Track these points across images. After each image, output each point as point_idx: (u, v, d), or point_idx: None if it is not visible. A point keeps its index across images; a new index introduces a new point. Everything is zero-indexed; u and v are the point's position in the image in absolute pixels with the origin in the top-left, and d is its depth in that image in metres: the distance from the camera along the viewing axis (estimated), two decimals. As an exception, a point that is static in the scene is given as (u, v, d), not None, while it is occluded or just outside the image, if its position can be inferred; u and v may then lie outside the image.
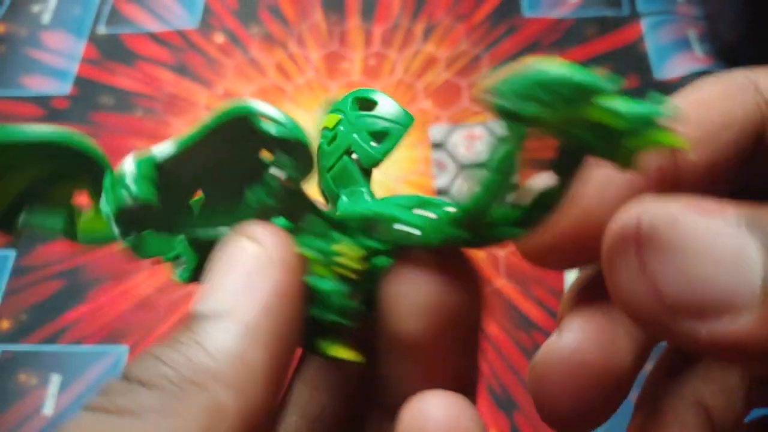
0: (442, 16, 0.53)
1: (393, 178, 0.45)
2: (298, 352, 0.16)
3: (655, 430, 0.15)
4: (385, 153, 0.15)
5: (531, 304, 0.40)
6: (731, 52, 0.48)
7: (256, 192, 0.13)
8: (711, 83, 0.14)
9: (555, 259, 0.15)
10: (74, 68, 0.52)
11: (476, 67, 0.50)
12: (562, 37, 0.50)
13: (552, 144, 0.12)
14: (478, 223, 0.12)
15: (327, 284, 0.13)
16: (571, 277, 0.41)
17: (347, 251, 0.13)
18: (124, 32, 0.53)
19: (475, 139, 0.46)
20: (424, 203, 0.14)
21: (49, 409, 0.38)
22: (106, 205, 0.13)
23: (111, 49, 0.52)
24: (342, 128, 0.16)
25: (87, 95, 0.50)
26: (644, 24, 0.51)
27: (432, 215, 0.13)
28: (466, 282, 0.14)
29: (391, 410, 0.14)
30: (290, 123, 0.13)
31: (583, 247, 0.14)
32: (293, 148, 0.12)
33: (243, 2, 0.54)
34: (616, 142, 0.11)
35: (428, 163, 0.45)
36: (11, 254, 0.44)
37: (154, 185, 0.13)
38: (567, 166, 0.12)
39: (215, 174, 0.13)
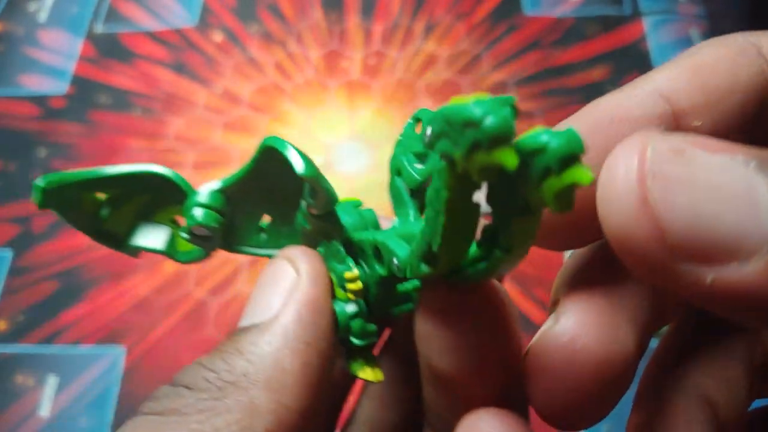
0: (443, 15, 0.52)
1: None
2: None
3: (659, 428, 0.15)
4: (426, 175, 0.15)
5: (531, 304, 0.40)
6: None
7: (299, 217, 0.15)
8: (711, 46, 0.14)
9: (553, 238, 0.14)
10: (72, 67, 0.51)
11: (477, 65, 0.49)
12: (563, 36, 0.50)
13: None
14: (438, 262, 0.12)
15: (341, 306, 0.15)
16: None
17: (353, 277, 0.14)
18: (122, 31, 0.53)
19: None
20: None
21: (45, 410, 0.38)
22: (185, 228, 0.15)
23: (109, 48, 0.52)
24: (398, 149, 0.16)
25: (85, 94, 0.50)
26: (646, 23, 0.50)
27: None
28: (491, 314, 0.13)
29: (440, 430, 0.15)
30: (306, 166, 0.13)
31: (587, 223, 0.13)
32: (311, 187, 0.14)
33: (242, 1, 0.54)
34: (535, 186, 0.10)
35: (428, 163, 0.45)
36: (8, 254, 0.44)
37: (218, 211, 0.15)
38: (503, 204, 0.11)
39: (277, 199, 0.15)
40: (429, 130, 0.10)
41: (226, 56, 0.51)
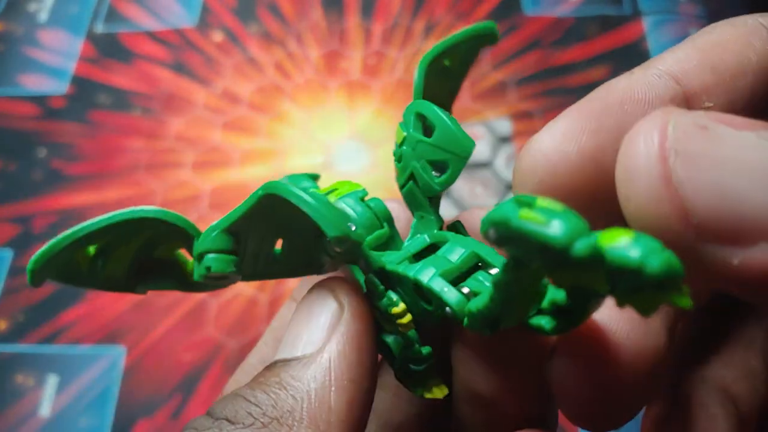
0: (443, 15, 0.52)
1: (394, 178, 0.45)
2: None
3: (679, 424, 0.14)
4: (445, 185, 0.15)
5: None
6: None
7: (320, 248, 0.15)
8: (724, 27, 0.13)
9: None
10: (72, 67, 0.51)
11: (477, 65, 0.49)
12: (563, 36, 0.50)
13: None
14: (500, 328, 0.12)
15: (392, 339, 0.14)
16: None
17: (401, 312, 0.14)
18: (121, 31, 0.53)
19: (477, 139, 0.46)
20: (472, 269, 0.14)
21: (46, 410, 0.38)
22: (196, 275, 0.14)
23: (109, 48, 0.52)
24: (405, 148, 0.16)
25: (84, 94, 0.50)
26: (646, 23, 0.50)
27: (467, 293, 0.13)
28: (531, 345, 0.13)
29: None
30: (335, 226, 0.12)
31: (599, 208, 0.12)
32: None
33: (242, 1, 0.54)
34: (623, 296, 0.09)
35: (428, 163, 0.45)
36: (9, 254, 0.44)
37: (229, 252, 0.14)
38: (580, 297, 0.11)
39: (288, 226, 0.15)
40: (495, 234, 0.10)
41: (225, 56, 0.51)
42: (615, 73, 0.49)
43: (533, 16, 0.51)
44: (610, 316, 0.12)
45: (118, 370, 0.39)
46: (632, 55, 0.49)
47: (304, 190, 0.13)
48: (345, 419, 0.12)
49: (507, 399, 0.14)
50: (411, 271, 0.14)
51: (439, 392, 0.15)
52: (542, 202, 0.10)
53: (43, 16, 0.54)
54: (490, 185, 0.44)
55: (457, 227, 0.15)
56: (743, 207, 0.09)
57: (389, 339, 0.14)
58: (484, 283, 0.13)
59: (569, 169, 0.12)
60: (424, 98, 0.16)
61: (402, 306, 0.14)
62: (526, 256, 0.10)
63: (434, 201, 0.16)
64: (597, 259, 0.09)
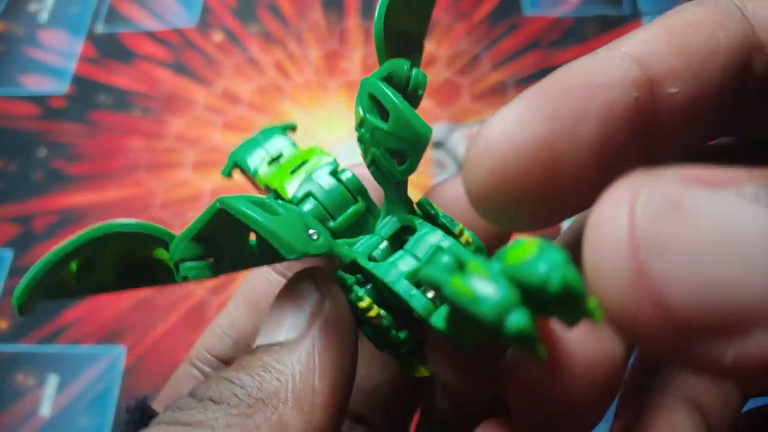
0: (442, 15, 0.52)
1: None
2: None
3: None
4: (407, 174, 0.15)
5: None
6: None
7: None
8: (695, 7, 0.12)
9: (522, 216, 0.12)
10: (72, 67, 0.51)
11: (476, 65, 0.49)
12: (562, 36, 0.50)
13: None
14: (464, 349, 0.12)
15: (368, 327, 0.14)
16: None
17: (366, 307, 0.14)
18: (122, 31, 0.53)
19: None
20: (425, 280, 0.14)
21: (46, 409, 0.38)
22: (177, 279, 0.14)
23: (109, 48, 0.52)
24: (364, 132, 0.15)
25: (85, 94, 0.50)
26: (646, 23, 0.50)
27: (432, 297, 0.13)
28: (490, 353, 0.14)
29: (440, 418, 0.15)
30: (295, 247, 0.12)
31: (553, 199, 0.12)
32: None
33: (242, 1, 0.54)
34: (541, 311, 0.10)
35: (428, 163, 0.45)
36: (9, 254, 0.44)
37: (201, 257, 0.14)
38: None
39: None
40: (428, 281, 0.10)
41: (226, 56, 0.51)
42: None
43: (533, 16, 0.51)
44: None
45: (118, 370, 0.39)
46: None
47: (260, 203, 0.13)
48: (328, 402, 0.12)
49: (471, 389, 0.14)
50: (379, 270, 0.14)
51: (425, 370, 0.15)
52: (475, 265, 0.10)
53: (44, 16, 0.55)
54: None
55: (424, 207, 0.15)
56: (730, 294, 0.08)
57: (367, 329, 0.15)
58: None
59: (521, 158, 0.11)
60: (390, 34, 0.15)
61: (368, 301, 0.14)
62: (470, 327, 0.10)
63: (400, 185, 0.15)
64: (530, 335, 0.09)
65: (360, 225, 0.16)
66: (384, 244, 0.15)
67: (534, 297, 0.09)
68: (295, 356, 0.13)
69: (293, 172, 0.17)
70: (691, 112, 0.12)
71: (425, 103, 0.48)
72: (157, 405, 0.18)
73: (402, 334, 0.14)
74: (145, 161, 0.47)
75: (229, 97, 0.49)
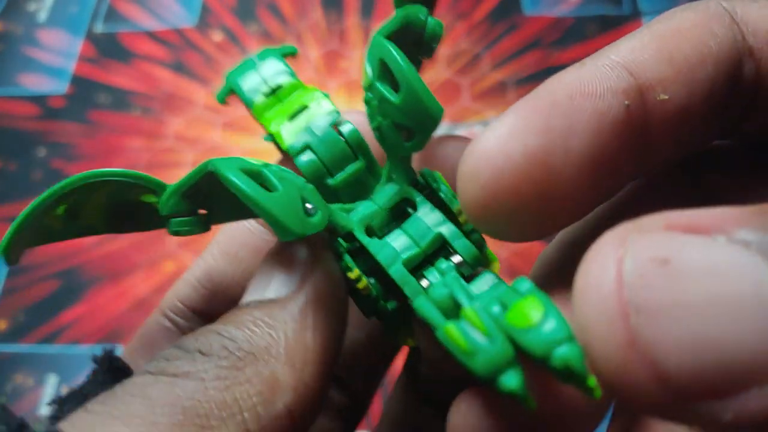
0: (442, 15, 0.52)
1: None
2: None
3: None
4: (412, 151, 0.14)
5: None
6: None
7: None
8: (684, 12, 0.12)
9: (517, 228, 0.12)
10: (71, 67, 0.51)
11: (476, 65, 0.49)
12: (562, 36, 0.50)
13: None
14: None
15: (357, 296, 0.14)
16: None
17: (356, 278, 0.14)
18: (121, 30, 0.53)
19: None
20: (436, 252, 0.14)
21: (45, 410, 0.38)
22: (169, 231, 0.14)
23: (108, 48, 0.52)
24: (371, 97, 0.14)
25: (84, 94, 0.50)
26: (646, 23, 0.50)
27: (426, 286, 0.13)
28: None
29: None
30: (292, 229, 0.12)
31: (547, 212, 0.12)
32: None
33: (242, 0, 0.54)
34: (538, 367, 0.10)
35: (428, 163, 0.45)
36: (8, 254, 0.44)
37: (190, 212, 0.14)
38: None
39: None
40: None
41: (225, 56, 0.51)
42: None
43: (533, 16, 0.51)
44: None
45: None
46: (632, 55, 0.49)
47: (256, 174, 0.12)
48: (320, 359, 0.12)
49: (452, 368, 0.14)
50: (374, 248, 0.14)
51: (411, 341, 0.15)
52: (471, 314, 0.10)
53: (43, 16, 0.54)
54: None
55: (426, 178, 0.15)
56: (725, 354, 0.08)
57: (355, 295, 0.14)
58: (445, 274, 0.13)
59: (514, 171, 0.11)
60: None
61: (357, 272, 0.14)
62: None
63: (404, 158, 0.15)
64: (520, 394, 0.09)
65: (359, 185, 0.16)
66: (382, 215, 0.14)
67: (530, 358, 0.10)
68: (288, 312, 0.12)
69: (292, 118, 0.16)
70: (683, 119, 0.12)
71: (425, 102, 0.48)
72: (125, 355, 0.17)
73: (390, 305, 0.14)
74: (145, 161, 0.46)
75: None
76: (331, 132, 0.15)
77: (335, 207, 0.14)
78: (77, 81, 0.51)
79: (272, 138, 0.17)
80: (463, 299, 0.11)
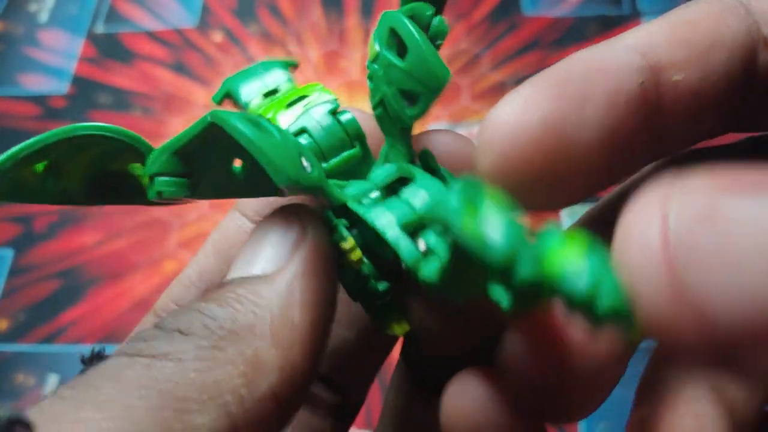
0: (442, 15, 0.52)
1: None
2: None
3: (661, 422, 0.13)
4: (416, 118, 0.14)
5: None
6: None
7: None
8: (699, 4, 0.13)
9: (535, 197, 0.12)
10: (72, 67, 0.51)
11: (476, 65, 0.50)
12: (562, 36, 0.50)
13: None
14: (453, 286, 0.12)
15: (348, 273, 0.14)
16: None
17: (350, 248, 0.13)
18: (122, 31, 0.53)
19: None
20: (432, 219, 0.13)
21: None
22: (150, 195, 0.13)
23: (109, 48, 0.52)
24: (377, 68, 0.14)
25: (85, 94, 0.50)
26: (645, 22, 0.50)
27: (424, 250, 0.13)
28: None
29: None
30: (287, 173, 0.11)
31: (562, 182, 0.12)
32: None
33: (242, 1, 0.54)
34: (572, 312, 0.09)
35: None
36: (9, 254, 0.44)
37: (180, 174, 0.13)
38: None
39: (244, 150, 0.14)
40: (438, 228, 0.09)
41: (225, 56, 0.51)
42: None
43: (532, 16, 0.52)
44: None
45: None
46: (631, 55, 0.49)
47: (256, 122, 0.12)
48: (308, 339, 0.12)
49: (453, 337, 0.14)
50: (370, 214, 0.13)
51: (399, 329, 0.14)
52: (490, 204, 0.09)
53: (44, 16, 0.55)
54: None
55: (427, 159, 0.15)
56: None
57: (346, 275, 0.14)
58: (441, 238, 0.13)
59: (530, 139, 0.11)
60: None
61: (351, 242, 0.13)
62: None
63: (406, 131, 0.15)
64: (540, 283, 0.09)
65: (353, 173, 0.15)
66: (376, 194, 0.14)
67: (567, 304, 0.09)
68: (274, 289, 0.12)
69: (290, 105, 0.16)
70: (696, 102, 0.12)
71: (425, 102, 0.48)
72: None
73: (381, 286, 0.14)
74: (145, 161, 0.47)
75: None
76: (329, 117, 0.15)
77: (330, 182, 0.14)
78: (78, 81, 0.51)
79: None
80: (479, 200, 0.10)
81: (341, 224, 0.13)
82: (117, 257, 0.43)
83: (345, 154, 0.15)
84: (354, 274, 0.14)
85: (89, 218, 0.45)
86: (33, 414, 0.09)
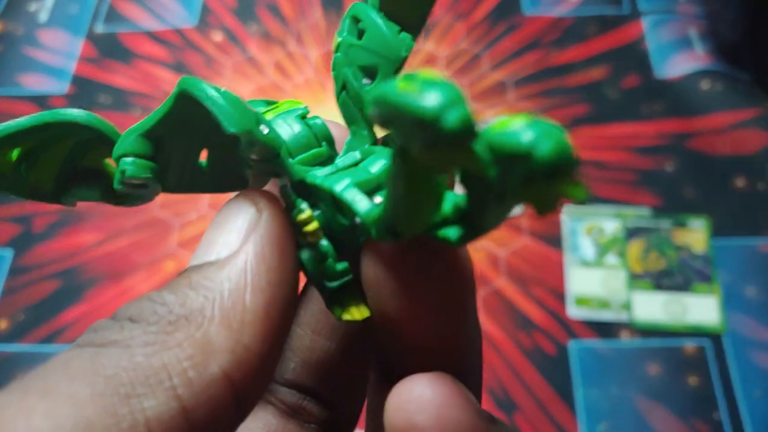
0: (442, 15, 0.52)
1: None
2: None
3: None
4: (375, 90, 0.13)
5: (531, 304, 0.40)
6: (732, 50, 0.47)
7: (240, 159, 0.14)
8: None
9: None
10: (72, 67, 0.51)
11: (476, 65, 0.50)
12: (562, 36, 0.50)
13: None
14: (402, 236, 0.11)
15: (306, 253, 0.14)
16: (571, 278, 0.41)
17: (306, 219, 0.13)
18: (122, 31, 0.53)
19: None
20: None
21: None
22: (115, 181, 0.13)
23: (109, 48, 0.52)
24: (339, 55, 0.14)
25: (85, 94, 0.50)
26: (645, 22, 0.50)
27: (379, 202, 0.12)
28: (442, 265, 0.13)
29: (388, 375, 0.14)
30: (236, 120, 0.11)
31: None
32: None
33: (242, 1, 0.54)
34: (516, 188, 0.09)
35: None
36: (9, 254, 0.44)
37: (148, 157, 0.13)
38: (478, 190, 0.10)
39: (212, 134, 0.13)
40: (378, 113, 0.09)
41: (225, 56, 0.51)
42: (614, 72, 0.49)
43: (532, 16, 0.52)
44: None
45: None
46: (631, 55, 0.49)
47: (225, 93, 0.12)
48: (261, 321, 0.11)
49: (418, 325, 0.13)
50: (327, 181, 0.13)
51: (358, 314, 0.14)
52: (425, 73, 0.09)
53: (43, 16, 0.55)
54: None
55: (389, 142, 0.15)
56: None
57: (304, 254, 0.14)
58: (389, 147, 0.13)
59: None
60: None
61: (308, 213, 0.13)
62: (406, 137, 0.09)
63: (369, 121, 0.15)
64: (471, 132, 0.08)
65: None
66: (336, 173, 0.14)
67: (509, 172, 0.08)
68: (225, 273, 0.12)
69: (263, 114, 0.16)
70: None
71: (425, 102, 0.48)
72: None
73: (340, 266, 0.14)
74: (145, 161, 0.47)
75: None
76: (298, 120, 0.15)
77: (289, 161, 0.14)
78: (78, 81, 0.51)
79: None
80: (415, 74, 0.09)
81: (300, 201, 0.13)
82: (117, 257, 0.43)
83: (312, 151, 0.15)
84: (312, 253, 0.13)
85: (89, 218, 0.45)
86: None
